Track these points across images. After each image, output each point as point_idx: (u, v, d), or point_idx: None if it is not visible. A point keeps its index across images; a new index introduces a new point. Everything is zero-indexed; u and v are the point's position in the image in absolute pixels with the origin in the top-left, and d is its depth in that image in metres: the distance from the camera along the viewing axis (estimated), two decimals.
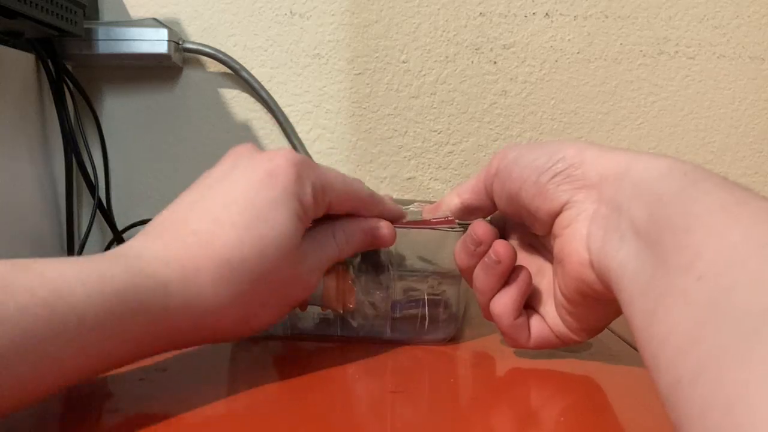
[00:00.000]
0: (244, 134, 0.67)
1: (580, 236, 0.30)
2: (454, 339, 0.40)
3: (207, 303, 0.27)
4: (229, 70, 0.66)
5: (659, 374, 0.21)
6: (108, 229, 0.64)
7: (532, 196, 0.32)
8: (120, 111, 0.66)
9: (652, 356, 0.22)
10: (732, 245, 0.21)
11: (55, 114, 0.59)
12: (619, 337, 0.42)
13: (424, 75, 0.67)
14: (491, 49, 0.67)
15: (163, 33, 0.60)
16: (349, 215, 0.35)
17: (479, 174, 0.37)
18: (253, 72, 0.66)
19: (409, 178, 0.69)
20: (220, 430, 0.27)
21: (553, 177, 0.31)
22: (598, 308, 0.33)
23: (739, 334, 0.18)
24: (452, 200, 0.38)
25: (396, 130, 0.68)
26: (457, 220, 0.38)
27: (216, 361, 0.36)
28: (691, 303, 0.21)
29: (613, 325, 0.44)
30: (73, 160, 0.60)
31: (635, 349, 0.39)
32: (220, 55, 0.64)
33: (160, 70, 0.65)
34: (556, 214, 0.32)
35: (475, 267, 0.35)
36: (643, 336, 0.23)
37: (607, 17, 0.67)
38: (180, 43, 0.62)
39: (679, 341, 0.20)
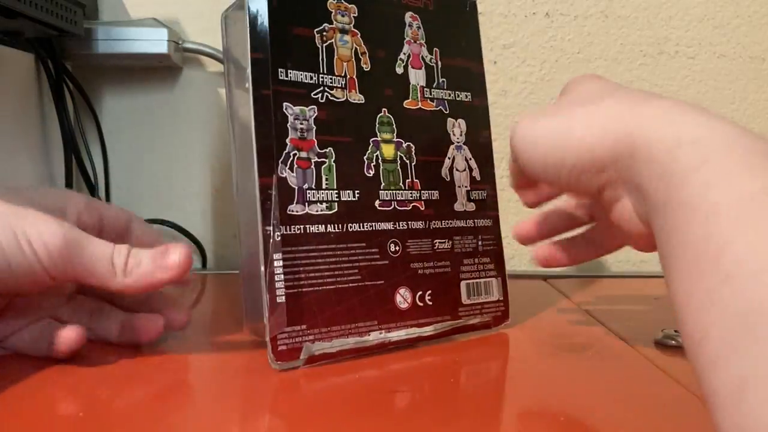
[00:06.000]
0: None
1: (629, 214, 0.28)
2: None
3: None
4: None
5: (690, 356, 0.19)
6: None
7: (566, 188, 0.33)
8: (120, 111, 0.66)
9: (691, 355, 0.20)
10: (763, 239, 0.18)
11: (55, 114, 0.59)
12: (620, 337, 0.42)
13: None
14: (491, 49, 0.67)
15: (163, 33, 0.60)
16: None
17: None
18: None
19: None
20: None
21: (574, 180, 0.30)
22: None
23: None
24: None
25: None
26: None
27: (205, 368, 0.36)
28: (723, 311, 0.18)
29: (613, 325, 0.44)
30: (73, 159, 0.60)
31: (635, 349, 0.39)
32: (220, 55, 0.64)
33: (160, 70, 0.65)
34: (594, 197, 0.31)
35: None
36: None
37: (607, 17, 0.67)
38: (180, 43, 0.62)
39: (712, 351, 0.18)
